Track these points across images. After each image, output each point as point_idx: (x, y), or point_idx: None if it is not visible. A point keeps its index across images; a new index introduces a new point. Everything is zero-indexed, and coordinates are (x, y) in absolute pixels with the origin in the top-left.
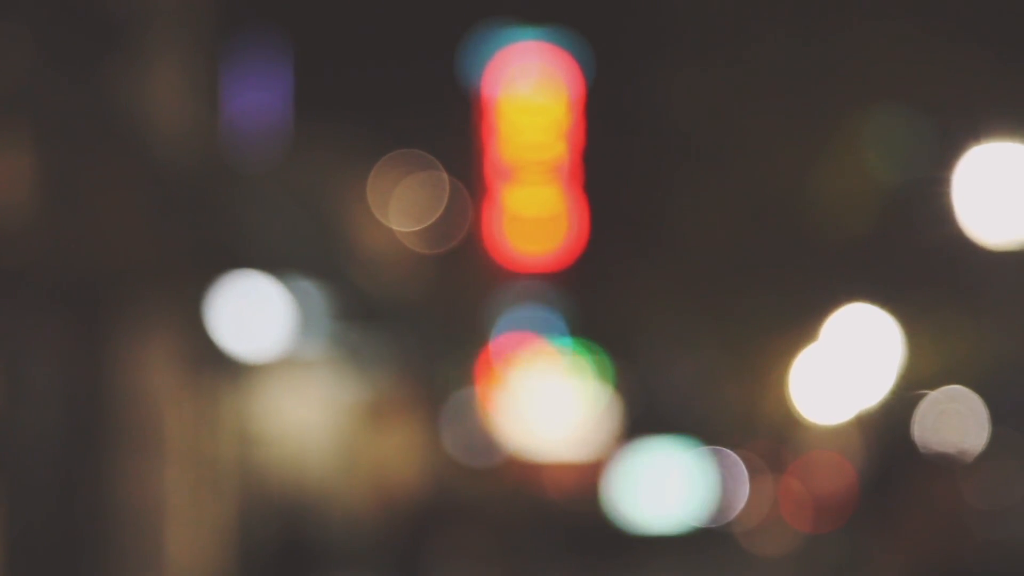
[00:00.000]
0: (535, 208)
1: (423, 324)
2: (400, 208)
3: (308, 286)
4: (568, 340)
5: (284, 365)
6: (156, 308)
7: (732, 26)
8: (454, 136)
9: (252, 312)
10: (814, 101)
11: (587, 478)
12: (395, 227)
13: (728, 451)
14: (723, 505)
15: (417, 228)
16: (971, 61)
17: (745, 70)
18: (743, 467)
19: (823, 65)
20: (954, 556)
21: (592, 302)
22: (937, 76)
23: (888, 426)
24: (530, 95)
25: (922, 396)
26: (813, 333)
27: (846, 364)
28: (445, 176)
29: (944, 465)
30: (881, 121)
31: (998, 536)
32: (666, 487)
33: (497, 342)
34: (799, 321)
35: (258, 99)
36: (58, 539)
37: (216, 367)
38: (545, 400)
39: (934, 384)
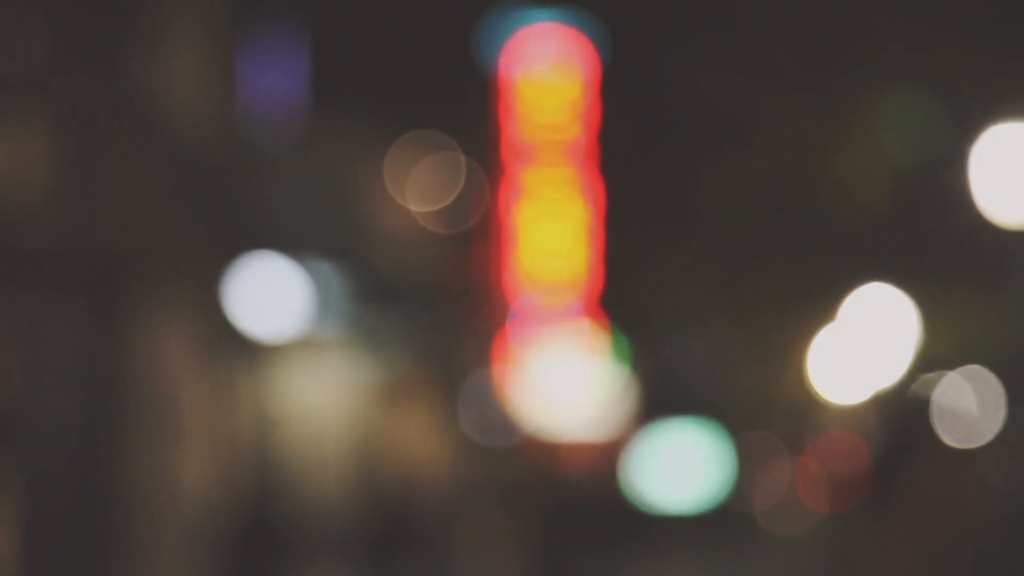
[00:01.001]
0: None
1: (440, 304)
2: (417, 189)
3: (325, 267)
4: (586, 321)
5: (301, 346)
6: (174, 290)
7: (749, 7)
8: (471, 117)
9: (269, 293)
10: (832, 82)
11: (605, 458)
12: (412, 207)
13: (746, 431)
14: (741, 485)
15: (434, 208)
16: (987, 41)
17: (763, 51)
18: (761, 447)
19: (841, 46)
20: (960, 538)
21: (609, 282)
22: (954, 57)
23: (905, 407)
24: (546, 76)
25: (940, 376)
26: (831, 313)
27: (864, 344)
28: (462, 156)
29: (956, 447)
30: (898, 102)
31: (1012, 516)
32: (684, 467)
33: (514, 322)
34: (817, 301)
35: (275, 80)
36: (75, 519)
37: (233, 348)
38: (563, 380)
39: (951, 364)
